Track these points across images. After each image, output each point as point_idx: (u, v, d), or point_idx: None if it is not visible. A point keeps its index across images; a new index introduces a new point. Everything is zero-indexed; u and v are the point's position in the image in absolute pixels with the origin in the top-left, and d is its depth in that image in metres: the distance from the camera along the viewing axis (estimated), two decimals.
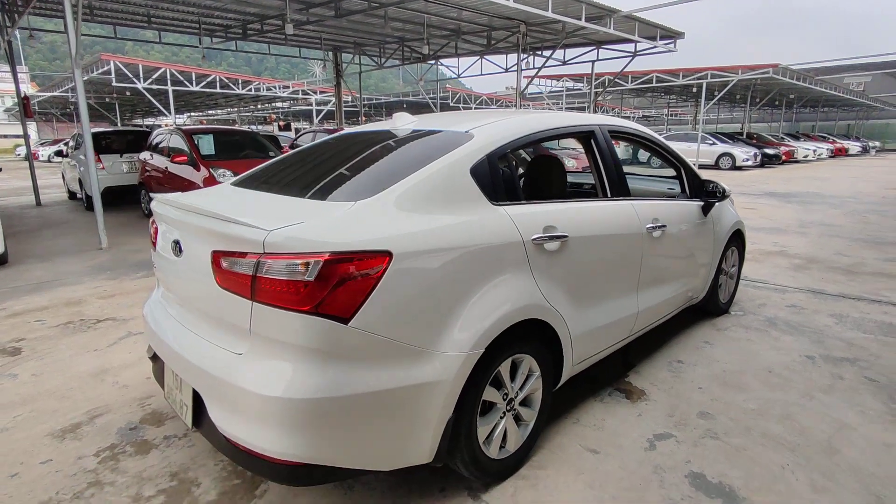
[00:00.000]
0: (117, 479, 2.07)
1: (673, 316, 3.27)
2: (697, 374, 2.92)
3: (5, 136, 47.33)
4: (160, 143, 8.18)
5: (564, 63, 14.95)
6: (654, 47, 12.90)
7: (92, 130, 6.97)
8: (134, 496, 1.97)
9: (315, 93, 24.95)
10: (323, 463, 1.58)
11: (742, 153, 19.27)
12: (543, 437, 2.30)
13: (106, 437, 2.35)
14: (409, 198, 1.76)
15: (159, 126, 19.29)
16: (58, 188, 13.12)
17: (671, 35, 12.63)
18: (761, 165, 20.10)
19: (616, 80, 20.04)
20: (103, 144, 9.21)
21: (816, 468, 2.10)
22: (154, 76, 17.93)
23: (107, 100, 26.56)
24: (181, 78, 18.98)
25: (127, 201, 9.56)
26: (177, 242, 1.85)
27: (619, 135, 2.83)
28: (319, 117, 26.41)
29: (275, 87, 23.76)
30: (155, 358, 2.13)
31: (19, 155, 31.31)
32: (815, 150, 25.01)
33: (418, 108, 33.91)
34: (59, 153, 11.81)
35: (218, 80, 20.30)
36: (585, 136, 2.58)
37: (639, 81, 21.57)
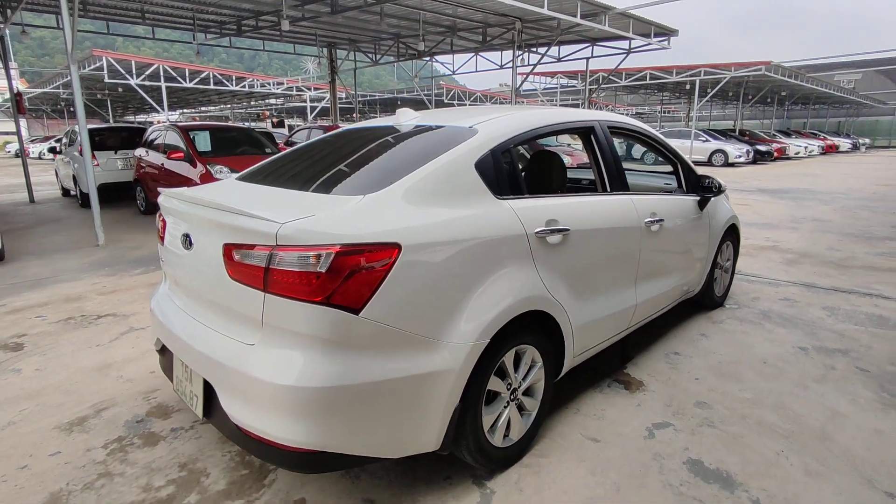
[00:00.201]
0: (127, 469, 2.10)
1: (669, 309, 3.33)
2: (694, 365, 2.98)
3: None
4: (155, 139, 8.16)
5: (559, 60, 14.98)
6: (649, 44, 12.97)
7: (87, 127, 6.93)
8: (144, 486, 2.00)
9: (309, 89, 24.85)
10: (333, 450, 1.62)
11: (735, 150, 19.42)
12: (545, 427, 2.35)
13: (113, 429, 2.38)
14: (417, 191, 1.80)
15: (151, 123, 19.16)
16: (51, 185, 13.04)
17: (665, 32, 12.70)
18: (753, 162, 20.27)
19: (610, 77, 20.12)
20: (97, 141, 9.16)
21: (810, 454, 2.16)
22: (147, 72, 17.80)
23: (98, 96, 26.33)
24: (174, 74, 18.85)
25: (122, 198, 9.53)
26: (186, 236, 1.88)
27: (617, 130, 2.88)
28: (314, 114, 26.31)
29: (269, 84, 23.64)
30: (163, 351, 2.16)
31: (9, 152, 31.00)
32: (806, 147, 25.22)
33: (413, 104, 33.77)
34: (52, 150, 11.71)
35: (212, 76, 20.18)
36: (585, 132, 2.62)
37: (633, 78, 21.66)
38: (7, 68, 9.47)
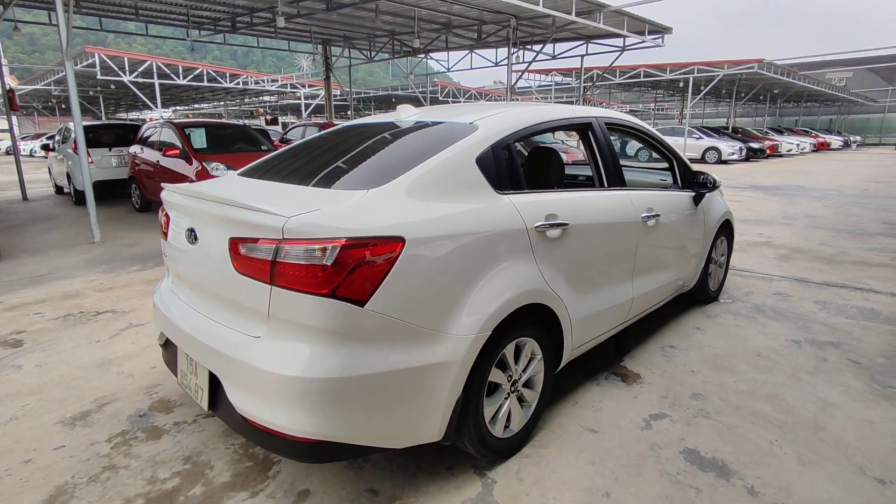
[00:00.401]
0: (131, 463, 2.12)
1: (665, 304, 3.38)
2: (689, 358, 3.03)
3: None
4: (150, 136, 8.13)
5: (554, 57, 15.02)
6: (643, 42, 13.03)
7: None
8: (149, 479, 2.02)
9: (303, 86, 24.77)
10: (339, 440, 1.64)
11: (728, 147, 19.56)
12: (544, 419, 2.39)
13: (116, 423, 2.40)
14: (419, 186, 1.82)
15: (144, 120, 19.05)
16: (44, 183, 12.95)
17: (659, 30, 12.77)
18: (746, 159, 20.42)
19: (605, 74, 20.18)
20: (91, 138, 9.09)
21: (803, 443, 2.22)
22: (140, 69, 17.68)
23: (90, 93, 26.10)
24: (168, 71, 18.73)
25: (116, 195, 9.49)
26: (191, 231, 1.90)
27: (614, 127, 2.92)
28: (308, 111, 26.23)
29: (263, 81, 23.54)
30: (166, 345, 2.17)
31: (0, 150, 30.69)
32: (798, 145, 25.43)
33: (408, 102, 33.78)
34: (45, 147, 11.63)
35: (205, 73, 20.07)
36: (583, 128, 2.66)
37: (627, 76, 21.74)
38: None
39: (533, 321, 2.12)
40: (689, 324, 3.55)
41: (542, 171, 2.58)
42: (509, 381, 2.07)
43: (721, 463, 2.09)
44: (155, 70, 17.92)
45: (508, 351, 2.03)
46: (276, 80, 24.05)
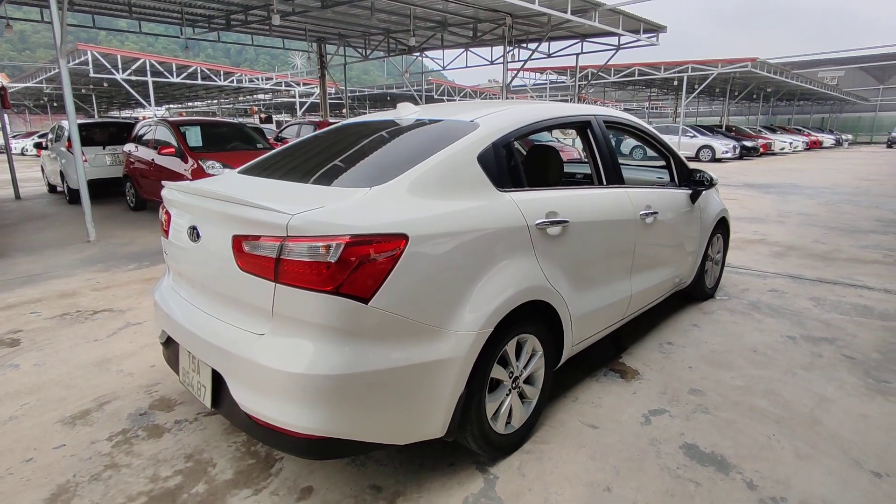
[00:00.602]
0: (133, 461, 2.11)
1: (662, 300, 3.40)
2: (687, 354, 3.06)
3: None
4: (145, 134, 8.08)
5: (549, 56, 15.05)
6: (638, 41, 13.08)
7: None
8: (151, 477, 2.02)
9: (298, 85, 24.69)
10: (343, 437, 1.65)
11: (722, 145, 19.67)
12: (545, 415, 2.41)
13: (117, 422, 2.39)
14: (421, 184, 1.83)
15: (137, 118, 18.91)
16: (36, 181, 12.84)
17: (654, 29, 12.82)
18: (740, 157, 20.54)
19: (599, 73, 20.24)
20: (85, 136, 9.03)
21: (800, 438, 2.24)
22: (133, 67, 17.57)
23: (83, 91, 25.90)
24: (161, 69, 18.62)
25: (111, 194, 9.43)
26: (193, 228, 1.89)
27: (613, 125, 2.93)
28: (303, 110, 26.14)
29: (257, 79, 23.44)
30: (167, 343, 2.17)
31: None
32: (791, 143, 25.61)
33: (403, 100, 33.70)
34: (38, 145, 11.53)
35: (199, 71, 19.96)
36: (582, 126, 2.67)
37: (621, 74, 21.82)
38: None
39: (534, 318, 2.13)
40: (685, 320, 3.58)
41: (542, 169, 2.59)
42: (511, 378, 2.09)
43: (720, 457, 2.11)
44: (148, 68, 17.81)
45: (510, 347, 2.04)
46: (271, 79, 23.96)
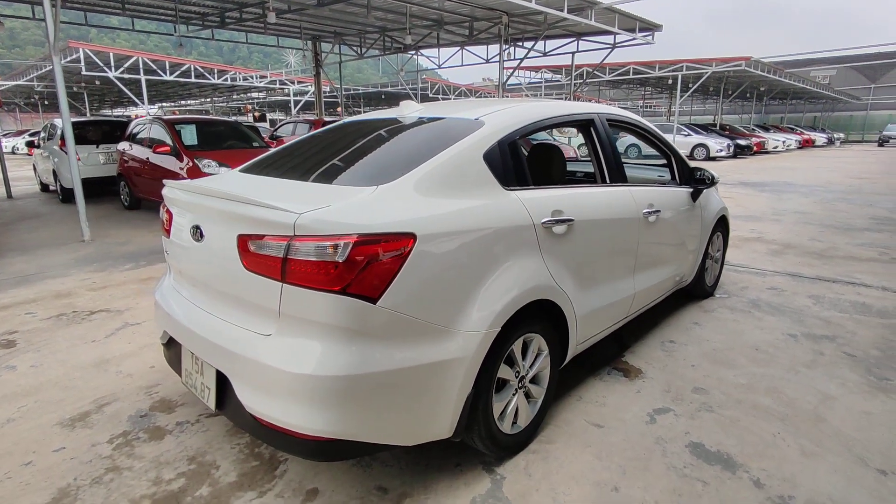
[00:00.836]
0: (135, 464, 2.09)
1: (663, 299, 3.40)
2: (689, 352, 3.06)
3: None
4: (139, 133, 8.01)
5: (545, 54, 15.05)
6: (633, 39, 13.10)
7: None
8: (154, 480, 1.99)
9: (293, 83, 24.56)
10: (350, 438, 1.63)
11: (716, 144, 19.75)
12: (550, 414, 2.40)
13: (117, 424, 2.36)
14: (428, 182, 1.81)
15: (129, 117, 18.75)
16: (28, 180, 12.70)
17: (650, 27, 12.84)
18: (734, 156, 20.65)
19: (595, 72, 20.27)
20: (78, 135, 8.93)
21: (805, 435, 2.25)
22: (126, 65, 17.41)
23: (74, 89, 25.62)
24: (154, 67, 18.47)
25: (105, 193, 9.34)
26: (196, 228, 1.87)
27: (615, 123, 2.93)
28: (297, 108, 26.03)
29: (251, 77, 23.30)
30: (169, 343, 2.14)
31: None
32: (784, 142, 25.76)
33: (398, 98, 33.68)
34: (30, 144, 11.40)
35: (193, 69, 19.81)
36: (585, 125, 2.66)
37: (616, 73, 21.86)
38: None
39: (539, 317, 2.12)
40: (687, 319, 3.58)
41: (545, 168, 2.58)
42: (517, 377, 2.08)
43: (726, 456, 2.11)
44: (141, 66, 17.65)
45: (516, 347, 2.03)
46: (265, 77, 23.82)
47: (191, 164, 6.69)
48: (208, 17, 12.10)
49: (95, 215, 7.67)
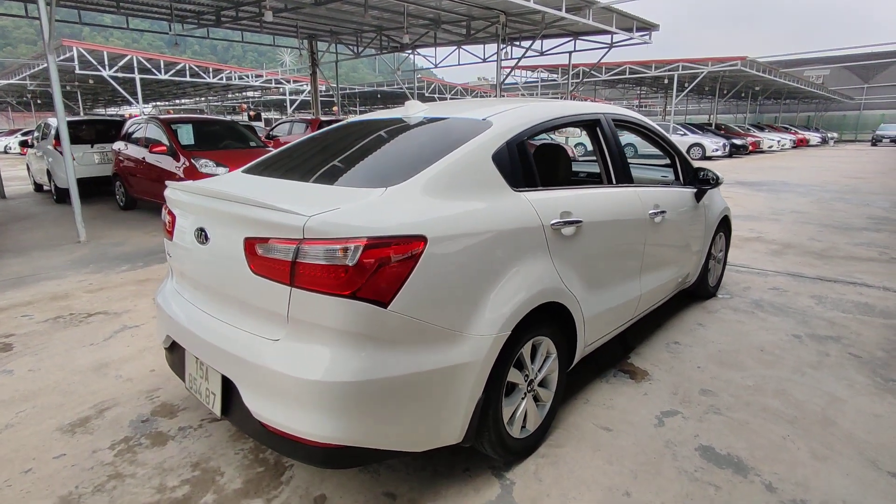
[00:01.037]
0: (137, 470, 2.05)
1: (667, 300, 3.38)
2: (695, 354, 3.05)
3: None
4: (135, 132, 7.93)
5: (542, 54, 15.04)
6: (631, 39, 13.11)
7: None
8: (158, 487, 1.95)
9: (288, 82, 24.46)
10: (360, 445, 1.60)
11: (711, 143, 19.80)
12: (558, 418, 2.37)
13: (118, 430, 2.32)
14: (437, 184, 1.78)
15: (123, 116, 18.61)
16: (21, 180, 12.57)
17: (647, 27, 12.85)
18: (729, 155, 20.71)
19: (592, 71, 20.29)
20: (73, 134, 8.82)
21: (815, 438, 2.23)
22: (120, 63, 17.27)
23: (67, 88, 25.41)
24: (149, 66, 18.33)
25: (100, 193, 9.25)
26: (201, 230, 1.83)
27: (620, 123, 2.90)
28: (293, 107, 25.92)
29: (247, 77, 23.18)
30: (172, 348, 2.10)
31: None
32: (779, 141, 25.87)
33: (394, 98, 33.61)
34: (23, 143, 11.28)
35: (188, 68, 19.68)
36: (591, 125, 2.64)
37: (612, 73, 21.89)
38: None
39: (548, 320, 2.09)
40: (690, 320, 3.57)
41: (552, 168, 2.56)
42: (526, 381, 2.05)
43: (736, 459, 2.10)
44: (135, 65, 17.52)
45: (525, 350, 2.01)
46: (261, 76, 23.71)
47: (187, 163, 6.63)
48: (204, 16, 12.02)
49: (91, 216, 7.59)
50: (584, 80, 21.85)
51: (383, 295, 1.54)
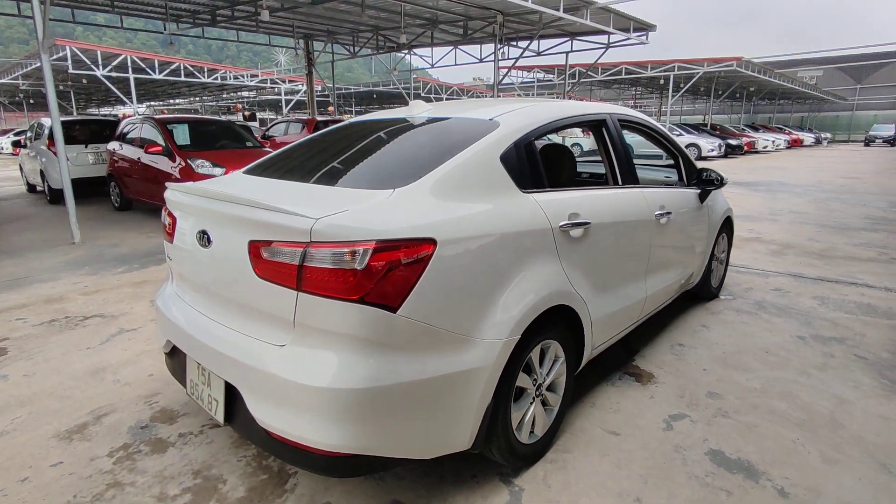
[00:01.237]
0: (137, 479, 2.00)
1: (671, 302, 3.36)
2: (700, 356, 3.02)
3: None
4: (130, 132, 7.85)
5: (539, 54, 15.03)
6: (627, 39, 13.11)
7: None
8: (158, 496, 1.91)
9: (284, 82, 24.35)
10: (368, 453, 1.56)
11: (707, 144, 19.85)
12: (565, 422, 2.34)
13: (117, 436, 2.27)
14: (446, 185, 1.75)
15: (116, 116, 18.47)
16: (14, 181, 12.45)
17: (644, 27, 12.86)
18: (725, 156, 20.77)
19: (588, 72, 20.31)
20: (67, 134, 8.69)
21: (825, 441, 2.21)
22: (114, 63, 17.13)
23: (60, 87, 25.17)
24: (143, 65, 18.19)
25: (95, 194, 9.15)
26: (203, 233, 1.79)
27: (625, 123, 2.88)
28: (289, 107, 25.80)
29: (242, 76, 23.05)
30: (172, 353, 2.06)
31: None
32: (773, 142, 25.99)
33: (389, 98, 33.54)
34: (16, 144, 11.16)
35: (182, 67, 19.55)
36: (597, 125, 2.61)
37: (608, 73, 21.92)
38: None
39: (556, 323, 2.06)
40: (694, 321, 3.55)
41: (557, 169, 2.52)
42: (534, 385, 2.02)
43: (747, 463, 2.07)
44: (130, 64, 17.38)
45: (534, 354, 1.97)
46: (256, 76, 23.59)
47: (183, 164, 6.56)
48: (199, 15, 11.93)
49: (85, 217, 7.51)
50: (581, 80, 21.87)
51: (392, 300, 1.50)
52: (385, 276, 1.48)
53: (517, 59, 14.18)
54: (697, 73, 19.96)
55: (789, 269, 4.78)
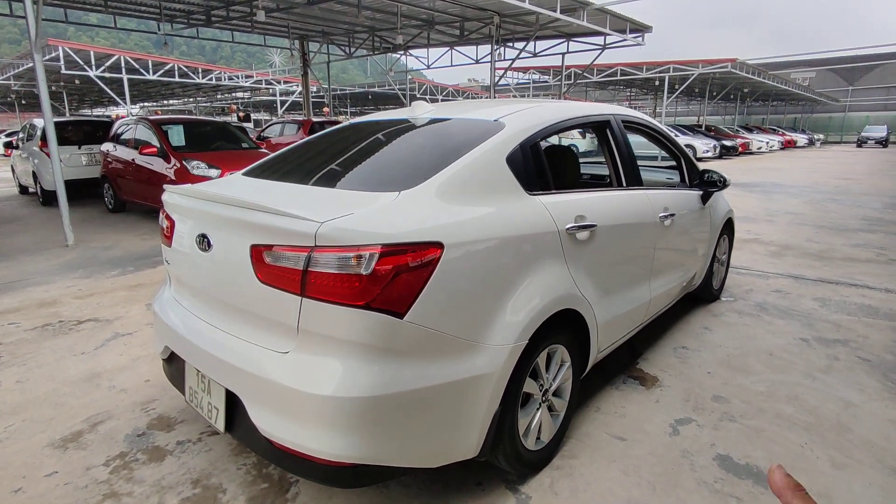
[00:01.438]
0: (134, 489, 1.95)
1: (673, 304, 3.34)
2: (703, 359, 3.00)
3: None
4: (124, 133, 7.77)
5: (535, 55, 15.03)
6: (624, 40, 13.13)
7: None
8: None
9: (279, 83, 24.25)
10: (373, 463, 1.52)
11: (702, 145, 19.92)
12: (570, 427, 2.31)
13: (113, 444, 2.22)
14: (451, 187, 1.71)
15: (110, 117, 18.34)
16: (6, 182, 12.32)
17: (640, 29, 12.88)
18: (720, 157, 20.86)
19: (584, 73, 20.33)
20: (60, 135, 8.60)
21: (833, 446, 2.19)
22: (107, 63, 16.99)
23: (53, 88, 24.98)
24: (137, 66, 18.06)
25: (88, 195, 9.06)
26: (203, 237, 1.74)
27: (629, 125, 2.85)
28: (284, 108, 25.71)
29: (237, 77, 22.94)
30: (170, 359, 2.01)
31: None
32: (767, 143, 26.13)
33: (385, 99, 33.49)
34: (7, 145, 11.03)
35: (176, 68, 19.42)
36: (602, 126, 2.58)
37: (604, 74, 21.96)
38: None
39: (563, 327, 2.03)
40: (696, 323, 3.52)
41: (562, 171, 2.49)
42: (541, 391, 1.98)
43: (756, 469, 2.04)
44: (123, 65, 17.25)
45: (541, 359, 1.94)
46: (251, 77, 23.48)
47: (178, 165, 6.50)
48: (193, 16, 11.84)
49: (78, 218, 7.42)
50: (576, 81, 21.90)
51: (399, 305, 1.47)
52: (391, 282, 1.44)
53: (513, 60, 14.16)
54: (692, 74, 20.03)
55: (789, 271, 4.77)
